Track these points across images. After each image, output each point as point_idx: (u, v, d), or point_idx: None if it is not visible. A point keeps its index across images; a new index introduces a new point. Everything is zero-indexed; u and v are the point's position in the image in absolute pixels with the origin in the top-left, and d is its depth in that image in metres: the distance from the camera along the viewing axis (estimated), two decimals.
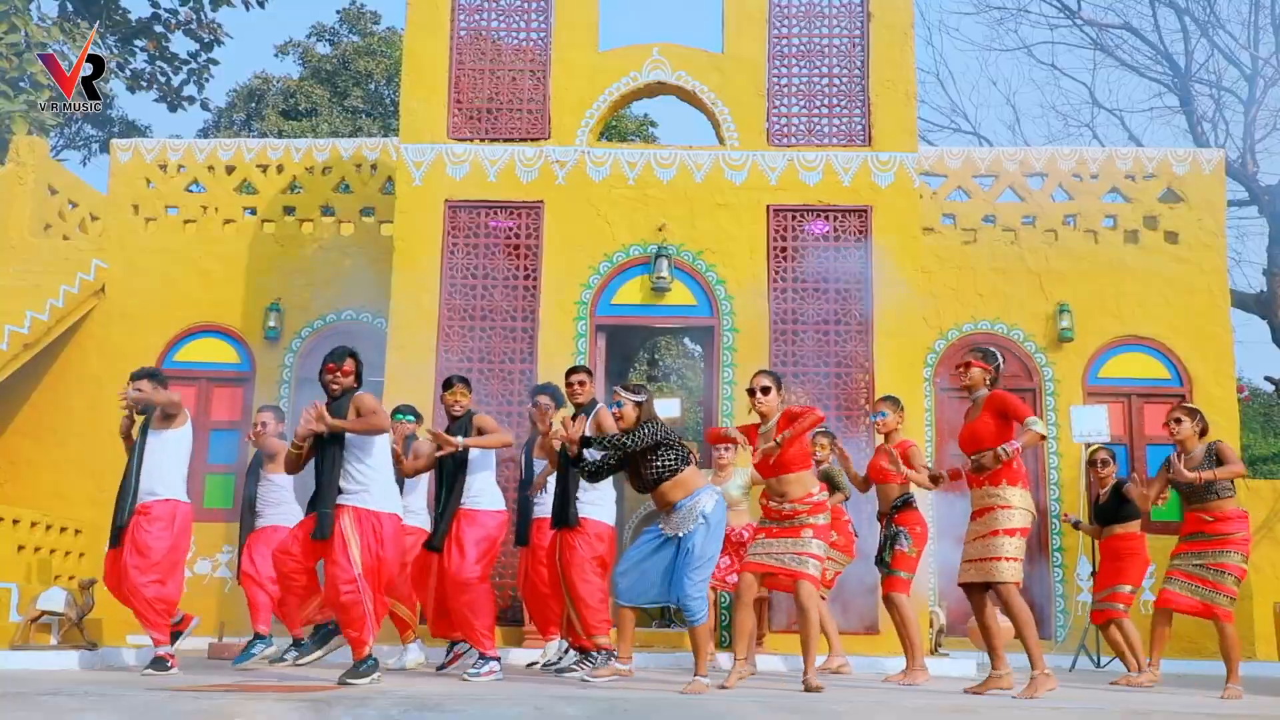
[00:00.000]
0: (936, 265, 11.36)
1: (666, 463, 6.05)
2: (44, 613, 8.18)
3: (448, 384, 7.07)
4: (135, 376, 6.87)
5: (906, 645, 7.22)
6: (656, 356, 22.03)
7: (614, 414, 6.15)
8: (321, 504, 5.90)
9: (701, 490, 6.08)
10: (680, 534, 5.96)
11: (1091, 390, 11.21)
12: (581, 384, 7.06)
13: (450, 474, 6.84)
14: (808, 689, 5.92)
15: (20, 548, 9.29)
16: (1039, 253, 11.49)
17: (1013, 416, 6.10)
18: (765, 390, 6.44)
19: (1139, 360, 11.32)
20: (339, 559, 5.82)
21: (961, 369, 6.37)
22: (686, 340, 19.98)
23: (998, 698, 5.78)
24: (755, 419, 6.58)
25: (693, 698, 5.39)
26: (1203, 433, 7.05)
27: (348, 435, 5.94)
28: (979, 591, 6.18)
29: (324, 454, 5.96)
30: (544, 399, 7.35)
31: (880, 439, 7.65)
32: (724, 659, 8.29)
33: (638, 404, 6.12)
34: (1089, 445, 9.42)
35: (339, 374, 6.08)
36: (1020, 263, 11.47)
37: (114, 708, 4.51)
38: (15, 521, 9.28)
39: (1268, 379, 18.70)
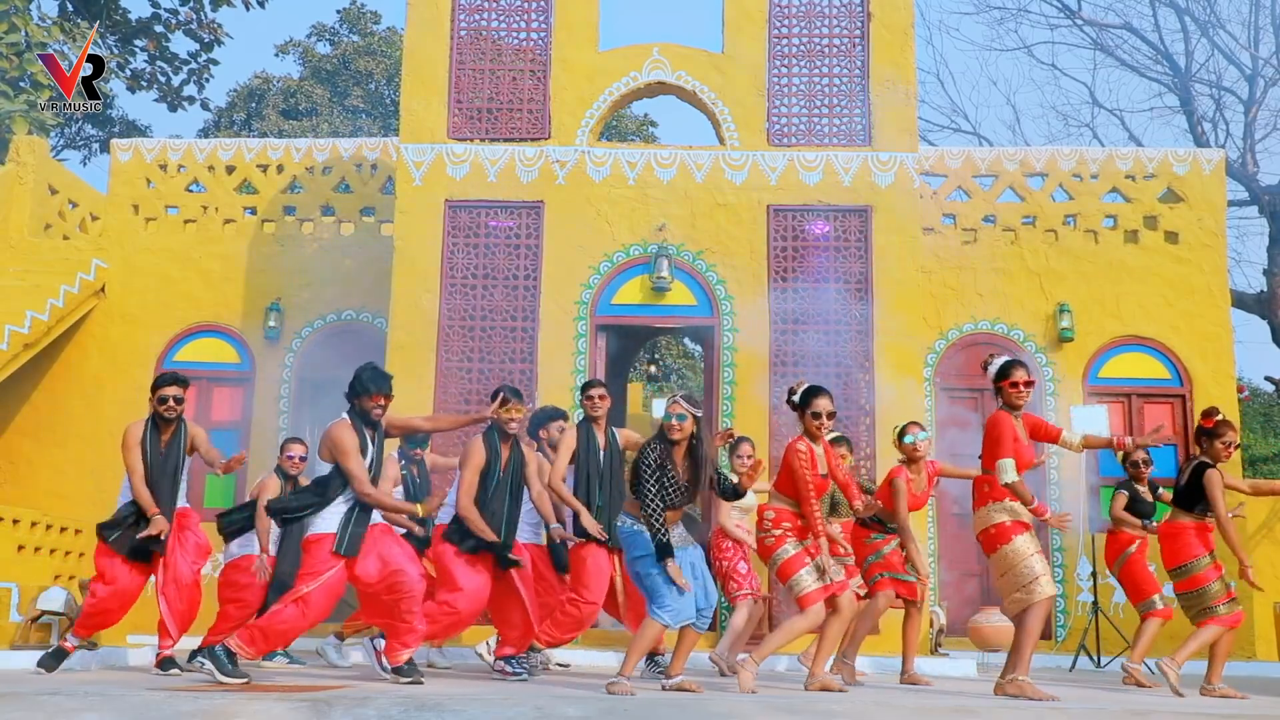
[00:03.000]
0: (936, 265, 11.36)
1: None
2: (44, 613, 8.18)
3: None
4: (169, 382, 6.72)
5: (914, 650, 7.25)
6: (656, 356, 22.04)
7: (671, 425, 5.80)
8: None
9: None
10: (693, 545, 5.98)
11: (1091, 390, 11.21)
12: (602, 397, 7.01)
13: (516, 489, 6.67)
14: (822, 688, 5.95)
15: (20, 548, 9.27)
16: (1039, 253, 11.49)
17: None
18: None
19: (1139, 360, 11.31)
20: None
21: (1025, 387, 6.06)
22: (686, 340, 19.99)
23: (999, 698, 5.77)
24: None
25: (692, 697, 5.39)
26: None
27: None
28: None
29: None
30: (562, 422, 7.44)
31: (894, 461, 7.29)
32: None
33: (696, 418, 5.87)
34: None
35: (385, 402, 6.05)
36: (1020, 263, 11.47)
37: (114, 708, 4.51)
38: (15, 521, 9.27)
39: (1268, 379, 18.69)
